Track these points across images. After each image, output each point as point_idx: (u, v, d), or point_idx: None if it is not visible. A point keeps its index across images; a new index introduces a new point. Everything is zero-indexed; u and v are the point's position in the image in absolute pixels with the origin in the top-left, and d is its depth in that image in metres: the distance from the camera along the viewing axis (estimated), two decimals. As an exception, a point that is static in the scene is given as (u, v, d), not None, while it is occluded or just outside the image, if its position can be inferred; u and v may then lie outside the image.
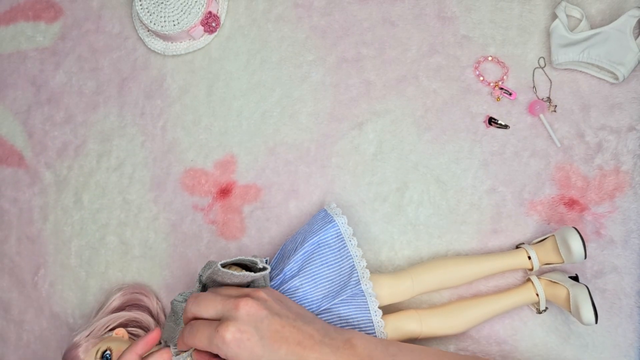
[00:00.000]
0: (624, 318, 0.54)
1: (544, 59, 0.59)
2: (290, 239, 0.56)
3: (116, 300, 0.62)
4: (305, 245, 0.53)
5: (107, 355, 0.57)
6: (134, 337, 0.60)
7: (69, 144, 0.69)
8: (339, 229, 0.54)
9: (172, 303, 0.54)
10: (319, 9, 0.65)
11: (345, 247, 0.53)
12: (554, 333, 0.54)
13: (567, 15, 0.58)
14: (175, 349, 0.50)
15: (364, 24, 0.64)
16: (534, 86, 0.59)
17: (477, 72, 0.60)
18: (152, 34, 0.67)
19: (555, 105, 0.58)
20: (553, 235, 0.53)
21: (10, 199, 0.70)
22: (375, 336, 0.51)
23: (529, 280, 0.54)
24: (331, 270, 0.53)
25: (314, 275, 0.52)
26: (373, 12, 0.64)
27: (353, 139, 0.62)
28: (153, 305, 0.63)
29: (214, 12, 0.66)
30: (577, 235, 0.50)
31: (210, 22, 0.65)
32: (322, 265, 0.53)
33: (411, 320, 0.53)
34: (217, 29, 0.67)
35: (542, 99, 0.59)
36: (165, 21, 0.64)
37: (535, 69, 0.59)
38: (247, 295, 0.45)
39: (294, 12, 0.66)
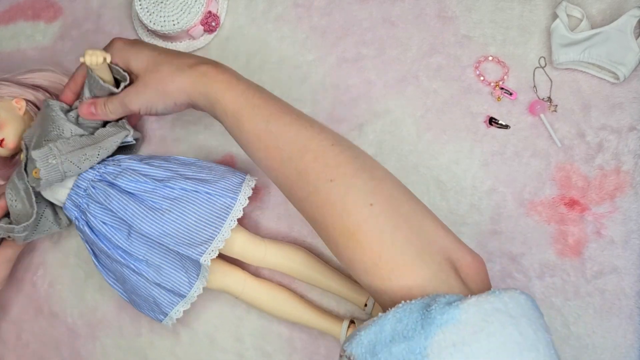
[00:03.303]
0: (624, 319, 0.54)
1: (544, 58, 0.59)
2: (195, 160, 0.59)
3: (39, 80, 0.63)
4: (204, 180, 0.55)
5: None
6: (33, 115, 0.61)
7: (69, 144, 0.69)
8: (234, 203, 0.54)
9: (44, 102, 0.58)
10: (319, 9, 0.65)
11: (223, 219, 0.54)
12: (553, 334, 0.54)
13: (568, 15, 0.58)
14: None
15: (364, 24, 0.64)
16: (534, 86, 0.59)
17: (478, 72, 0.60)
18: (151, 33, 0.67)
19: (556, 105, 0.58)
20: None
21: (10, 199, 0.69)
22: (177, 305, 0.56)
23: (347, 321, 0.56)
24: (197, 219, 0.54)
25: (184, 211, 0.54)
26: (373, 12, 0.64)
27: (353, 140, 0.60)
28: None
29: (214, 11, 0.66)
30: None
31: (210, 22, 0.65)
32: (196, 214, 0.54)
33: (235, 283, 0.58)
34: (217, 29, 0.67)
35: (543, 99, 0.58)
36: (164, 21, 0.64)
37: (535, 68, 0.59)
38: None
39: (293, 12, 0.65)
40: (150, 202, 0.54)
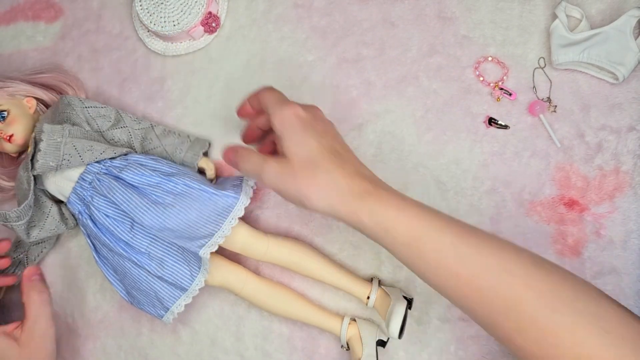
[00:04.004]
0: (624, 318, 0.54)
1: (544, 59, 0.59)
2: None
3: (47, 79, 0.64)
4: (203, 181, 0.56)
5: (3, 115, 0.58)
6: (41, 113, 0.62)
7: (69, 144, 0.69)
8: (235, 203, 0.54)
9: (61, 97, 0.61)
10: (319, 10, 0.65)
11: (225, 217, 0.54)
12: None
13: (567, 16, 0.58)
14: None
15: (364, 24, 0.64)
16: (534, 86, 0.59)
17: (477, 73, 0.60)
18: (152, 34, 0.67)
19: (555, 106, 0.58)
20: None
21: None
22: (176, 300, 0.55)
23: (347, 318, 0.57)
24: (199, 216, 0.54)
25: (187, 207, 0.54)
26: (373, 13, 0.64)
27: (353, 140, 0.62)
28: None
29: (214, 12, 0.66)
30: (400, 316, 0.52)
31: (210, 23, 0.65)
32: (199, 211, 0.54)
33: (236, 279, 0.57)
34: (217, 29, 0.67)
35: (542, 99, 0.59)
36: (165, 21, 0.64)
37: (535, 69, 0.59)
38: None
39: (294, 13, 0.66)
40: (153, 195, 0.54)
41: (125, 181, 0.55)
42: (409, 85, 0.62)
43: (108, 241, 0.55)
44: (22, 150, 0.61)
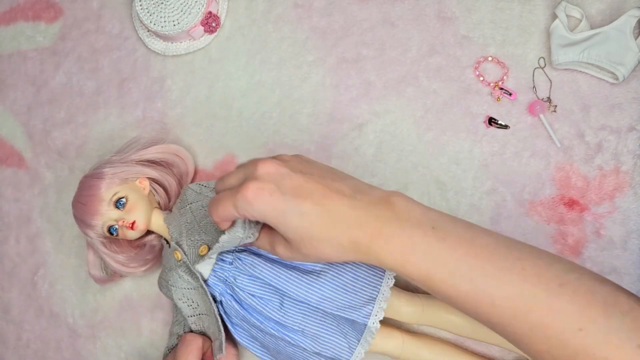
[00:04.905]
0: (624, 318, 0.54)
1: (544, 59, 0.59)
2: None
3: (154, 154, 0.60)
4: None
5: (122, 202, 0.55)
6: (154, 192, 0.60)
7: (70, 145, 0.69)
8: None
9: (184, 189, 0.56)
10: (319, 10, 0.65)
11: (381, 276, 0.52)
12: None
13: (567, 16, 0.58)
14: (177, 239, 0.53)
15: (364, 24, 0.64)
16: (534, 86, 0.59)
17: (477, 72, 0.60)
18: (152, 34, 0.67)
19: (555, 106, 0.58)
20: None
21: (10, 200, 0.70)
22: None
23: None
24: (356, 284, 0.51)
25: (340, 271, 0.51)
26: (373, 13, 0.64)
27: (353, 140, 0.62)
28: (185, 171, 0.63)
29: (214, 12, 0.66)
30: None
31: (210, 22, 0.65)
32: (353, 272, 0.51)
33: (395, 345, 0.54)
34: (217, 29, 0.67)
35: (542, 99, 0.59)
36: (165, 21, 0.64)
37: (535, 69, 0.59)
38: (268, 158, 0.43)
39: (294, 13, 0.66)
40: (301, 265, 0.52)
41: (267, 256, 0.52)
42: (409, 85, 0.62)
43: (257, 322, 0.52)
44: (140, 236, 0.58)
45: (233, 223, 0.45)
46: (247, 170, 0.42)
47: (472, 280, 0.38)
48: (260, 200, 0.40)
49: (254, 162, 0.42)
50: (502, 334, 0.40)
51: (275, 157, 0.44)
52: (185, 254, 0.53)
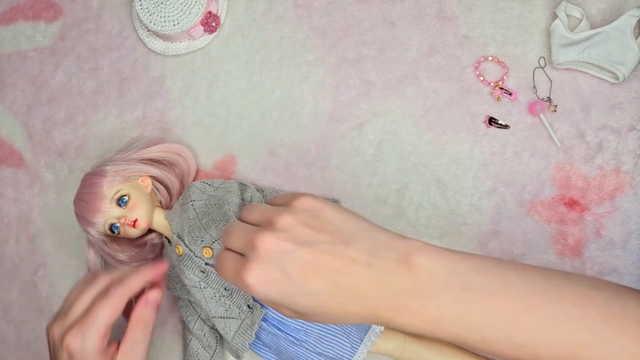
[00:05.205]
0: (624, 319, 0.54)
1: (544, 58, 0.59)
2: None
3: (156, 153, 0.60)
4: None
5: (124, 200, 0.55)
6: (156, 191, 0.60)
7: (69, 145, 0.69)
8: None
9: (188, 186, 0.56)
10: (319, 9, 0.65)
11: None
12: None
13: (568, 15, 0.58)
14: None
15: (364, 24, 0.64)
16: (534, 86, 0.59)
17: (477, 72, 0.60)
18: (152, 34, 0.67)
19: (556, 105, 0.58)
20: None
21: (10, 200, 0.70)
22: None
23: None
24: None
25: None
26: (373, 12, 0.64)
27: (353, 140, 0.62)
28: (187, 171, 0.63)
29: (214, 12, 0.66)
30: None
31: (210, 22, 0.65)
32: None
33: (396, 346, 0.54)
34: (217, 29, 0.67)
35: (543, 99, 0.59)
36: (165, 21, 0.64)
37: (535, 68, 0.59)
38: (265, 228, 0.38)
39: (294, 12, 0.66)
40: None
41: None
42: (409, 85, 0.62)
43: (261, 321, 0.53)
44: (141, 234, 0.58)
45: None
46: (246, 244, 0.38)
47: (512, 339, 0.36)
48: (263, 287, 0.36)
49: (251, 238, 0.37)
50: None
51: (273, 225, 0.38)
52: (187, 246, 0.53)
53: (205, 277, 0.50)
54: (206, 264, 0.50)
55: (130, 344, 0.47)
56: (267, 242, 0.37)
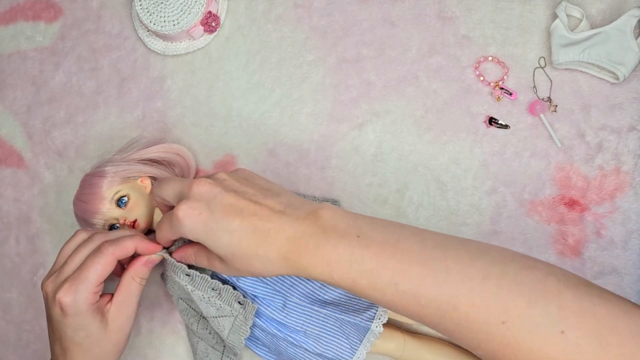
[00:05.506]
0: (624, 319, 0.54)
1: (544, 58, 0.59)
2: None
3: (155, 153, 0.60)
4: None
5: (123, 201, 0.55)
6: None
7: (69, 145, 0.69)
8: None
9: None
10: (319, 10, 0.65)
11: None
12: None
13: (568, 15, 0.58)
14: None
15: (364, 24, 0.64)
16: (534, 86, 0.59)
17: (478, 72, 0.60)
18: (151, 34, 0.67)
19: (556, 105, 0.58)
20: None
21: (10, 200, 0.70)
22: None
23: None
24: None
25: None
26: (373, 12, 0.64)
27: (353, 140, 0.61)
28: (187, 171, 0.63)
29: (214, 12, 0.66)
30: None
31: (210, 22, 0.65)
32: None
33: (396, 346, 0.54)
34: (217, 29, 0.67)
35: (543, 99, 0.59)
36: (165, 21, 0.64)
37: (535, 68, 0.59)
38: (202, 178, 0.45)
39: (294, 13, 0.66)
40: None
41: None
42: (409, 85, 0.62)
43: (259, 322, 0.52)
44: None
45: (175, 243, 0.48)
46: (182, 188, 0.44)
47: (397, 285, 0.39)
48: (190, 219, 0.42)
49: (189, 183, 0.44)
50: (437, 331, 0.40)
51: (211, 176, 0.45)
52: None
53: (191, 280, 0.51)
54: (189, 267, 0.50)
55: (124, 295, 0.50)
56: (200, 185, 0.43)
